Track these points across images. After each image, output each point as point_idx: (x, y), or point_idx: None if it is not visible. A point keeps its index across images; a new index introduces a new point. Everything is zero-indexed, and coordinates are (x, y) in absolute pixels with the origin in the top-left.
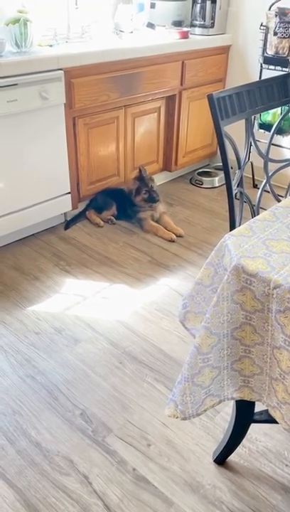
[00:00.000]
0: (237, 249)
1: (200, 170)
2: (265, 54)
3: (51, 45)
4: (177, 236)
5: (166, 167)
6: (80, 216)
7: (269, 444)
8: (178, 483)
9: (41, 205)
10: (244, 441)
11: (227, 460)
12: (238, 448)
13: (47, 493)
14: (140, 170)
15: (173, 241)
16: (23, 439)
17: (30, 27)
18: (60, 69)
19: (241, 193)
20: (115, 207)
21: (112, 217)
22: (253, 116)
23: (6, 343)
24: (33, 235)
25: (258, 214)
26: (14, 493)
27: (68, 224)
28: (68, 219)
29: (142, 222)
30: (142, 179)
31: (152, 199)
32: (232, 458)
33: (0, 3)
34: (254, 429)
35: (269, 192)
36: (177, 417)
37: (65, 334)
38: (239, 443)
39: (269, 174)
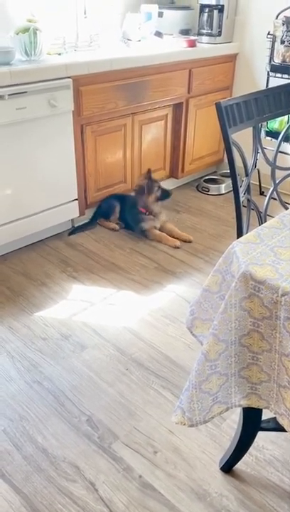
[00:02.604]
0: (244, 256)
1: (207, 177)
2: (272, 62)
3: (60, 54)
4: (187, 242)
5: (173, 174)
6: (89, 225)
7: (276, 453)
8: (184, 491)
9: (49, 212)
10: (251, 449)
11: (234, 468)
12: (245, 456)
13: (53, 500)
14: (149, 171)
15: (178, 247)
16: (30, 445)
17: (39, 36)
18: (69, 77)
19: (248, 200)
20: (118, 209)
21: (116, 225)
22: (260, 124)
23: (13, 348)
24: (41, 240)
25: (265, 221)
26: (20, 499)
27: (74, 231)
28: (75, 225)
29: (146, 233)
30: (151, 179)
31: (166, 194)
32: (239, 466)
33: (10, 13)
34: (261, 437)
35: (276, 199)
36: (184, 424)
37: (72, 340)
38: (246, 451)
39: (276, 181)
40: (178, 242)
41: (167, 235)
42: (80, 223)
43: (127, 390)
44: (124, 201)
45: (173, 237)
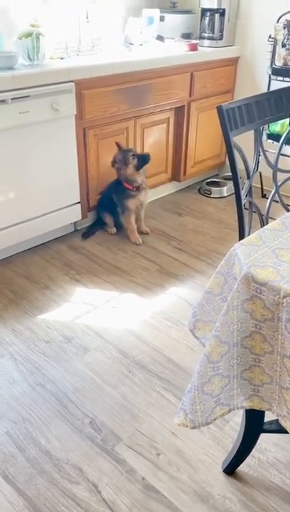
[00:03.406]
0: (246, 258)
1: (209, 180)
2: (273, 65)
3: (62, 58)
4: (144, 234)
5: (175, 177)
6: (97, 225)
7: (278, 455)
8: (187, 493)
9: (51, 215)
10: (253, 451)
11: (237, 470)
12: (248, 458)
13: (56, 502)
14: (117, 144)
15: (139, 245)
16: (33, 447)
17: (42, 40)
18: (71, 81)
19: (250, 202)
20: (109, 218)
21: (114, 229)
22: (261, 127)
23: (16, 351)
24: (44, 244)
25: (267, 224)
26: (24, 501)
27: (86, 234)
28: (79, 228)
29: (125, 212)
30: (121, 149)
31: (144, 159)
32: (242, 468)
33: (13, 18)
34: (264, 440)
35: (278, 202)
36: (186, 426)
37: (75, 343)
38: (249, 453)
39: (278, 184)
40: (140, 240)
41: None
42: (86, 224)
43: (130, 393)
44: (112, 191)
45: (135, 223)
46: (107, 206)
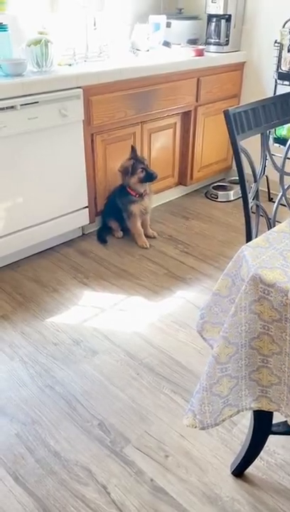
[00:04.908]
0: (254, 260)
1: (215, 184)
2: (279, 70)
3: (70, 64)
4: (150, 237)
5: (182, 181)
6: (104, 230)
7: (287, 457)
8: (195, 495)
9: (59, 219)
10: (262, 453)
11: (245, 472)
12: (256, 460)
13: (66, 503)
14: (132, 148)
15: (146, 248)
16: (42, 449)
17: (50, 47)
18: (79, 87)
19: (257, 206)
20: (115, 224)
21: (120, 232)
22: (268, 131)
23: (25, 353)
24: (52, 248)
25: (274, 227)
26: (34, 502)
27: (102, 238)
28: (87, 232)
29: (130, 217)
30: (136, 158)
31: (150, 176)
32: (250, 470)
33: (21, 26)
34: (272, 442)
35: (285, 205)
36: (195, 427)
37: (83, 345)
38: (257, 455)
39: (285, 187)
40: (147, 244)
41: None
42: (94, 229)
43: (138, 395)
44: (116, 195)
45: (141, 227)
46: (112, 211)
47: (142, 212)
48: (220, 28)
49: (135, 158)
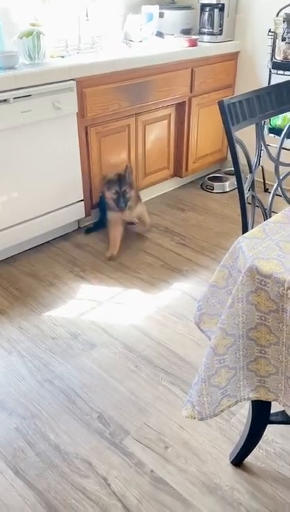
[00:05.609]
0: (250, 251)
1: (211, 175)
2: (274, 59)
3: (63, 56)
4: (148, 228)
5: (177, 173)
6: (100, 224)
7: (286, 446)
8: (195, 485)
9: (55, 213)
10: (260, 443)
11: (244, 462)
12: (255, 450)
13: (67, 495)
14: (126, 167)
15: (110, 259)
16: (42, 442)
17: (42, 39)
18: (72, 79)
19: (253, 196)
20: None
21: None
22: (263, 121)
23: (23, 348)
24: (48, 242)
25: (270, 218)
26: (35, 495)
27: (89, 231)
28: (83, 225)
29: (108, 224)
30: (122, 178)
31: (117, 204)
32: (249, 460)
33: (13, 18)
34: (271, 431)
35: (280, 196)
36: (194, 418)
37: (81, 339)
38: (256, 444)
39: (280, 178)
40: (113, 257)
41: (137, 218)
42: (91, 222)
43: (137, 387)
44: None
45: (140, 219)
46: (103, 207)
47: (122, 222)
48: (214, 17)
49: (120, 179)
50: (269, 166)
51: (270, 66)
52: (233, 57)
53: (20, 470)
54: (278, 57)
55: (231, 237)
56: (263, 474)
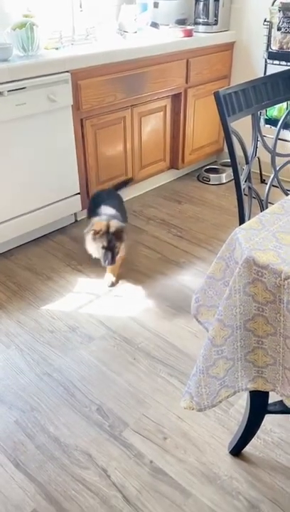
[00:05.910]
0: (247, 242)
1: (207, 167)
2: (269, 49)
3: (57, 48)
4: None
5: (173, 165)
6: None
7: (283, 435)
8: (194, 475)
9: (51, 206)
10: (258, 432)
11: (243, 451)
12: (253, 439)
13: (67, 487)
14: (119, 228)
15: (112, 285)
16: (42, 435)
17: (36, 31)
18: (67, 71)
19: (249, 188)
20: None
21: None
22: (259, 112)
23: (22, 341)
24: (45, 235)
25: (267, 209)
26: (35, 487)
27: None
28: (80, 219)
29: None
30: (111, 238)
31: (104, 261)
32: (248, 449)
33: (6, 9)
34: (269, 421)
35: (277, 187)
36: (193, 409)
37: (79, 332)
38: (254, 434)
39: (277, 169)
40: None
41: None
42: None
43: (135, 379)
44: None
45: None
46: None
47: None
48: (209, 7)
49: (108, 231)
50: (265, 157)
51: (266, 56)
52: (229, 47)
53: (20, 463)
54: (274, 47)
55: (228, 228)
56: (261, 463)
